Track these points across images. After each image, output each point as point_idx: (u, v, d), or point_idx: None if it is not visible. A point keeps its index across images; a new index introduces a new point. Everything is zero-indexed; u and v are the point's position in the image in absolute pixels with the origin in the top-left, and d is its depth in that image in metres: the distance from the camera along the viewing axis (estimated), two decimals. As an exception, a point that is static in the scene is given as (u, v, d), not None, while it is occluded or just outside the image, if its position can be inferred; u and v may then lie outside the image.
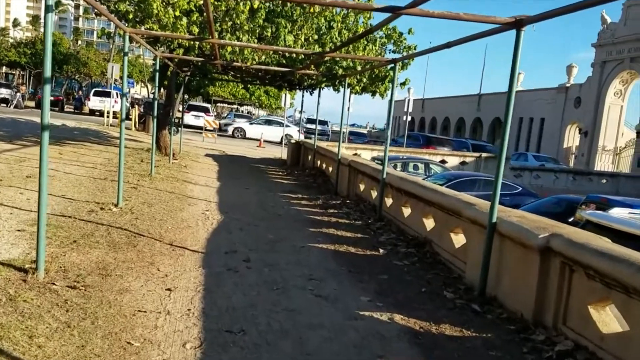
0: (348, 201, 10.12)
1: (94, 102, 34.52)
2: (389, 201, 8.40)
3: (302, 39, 11.98)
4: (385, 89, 14.35)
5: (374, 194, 9.39)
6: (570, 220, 10.54)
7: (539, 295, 4.06)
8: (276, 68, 11.27)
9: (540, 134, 42.41)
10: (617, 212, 6.37)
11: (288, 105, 21.94)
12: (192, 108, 36.56)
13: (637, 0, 29.78)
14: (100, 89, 35.49)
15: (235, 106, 60.68)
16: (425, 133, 38.91)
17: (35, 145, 14.24)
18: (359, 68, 11.25)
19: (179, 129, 19.12)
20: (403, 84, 13.43)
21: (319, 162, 15.16)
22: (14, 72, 72.05)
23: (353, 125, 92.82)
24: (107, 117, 25.93)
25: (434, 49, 6.22)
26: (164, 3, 11.05)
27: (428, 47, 6.96)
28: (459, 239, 5.81)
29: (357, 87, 14.10)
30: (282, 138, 29.43)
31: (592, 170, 28.52)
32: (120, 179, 7.73)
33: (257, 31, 11.63)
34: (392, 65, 13.19)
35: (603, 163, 34.75)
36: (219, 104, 65.53)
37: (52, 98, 36.82)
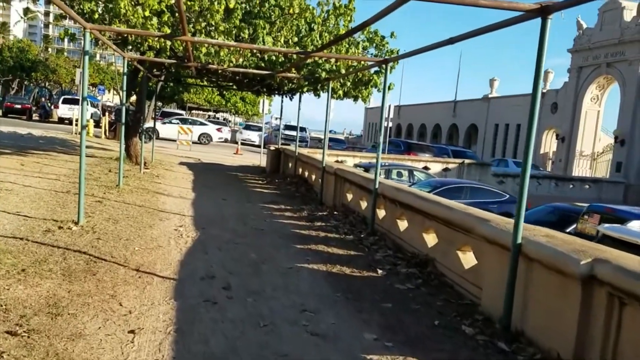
0: (335, 212, 9.40)
1: (62, 110, 33.12)
2: (381, 213, 7.71)
3: (282, 41, 11.27)
4: (368, 93, 13.75)
5: (364, 204, 8.70)
6: (567, 231, 10.05)
7: (581, 333, 3.40)
8: (255, 71, 10.51)
9: (516, 140, 42.50)
10: (638, 225, 5.81)
11: (266, 111, 21.19)
12: (166, 115, 35.55)
13: (612, 6, 29.98)
14: (69, 97, 34.01)
15: (210, 113, 59.56)
16: (405, 139, 38.55)
17: (-7, 155, 13.17)
18: (343, 71, 10.59)
19: (152, 135, 18.17)
20: (389, 87, 12.81)
21: (300, 170, 14.43)
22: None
23: (330, 131, 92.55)
24: (76, 125, 24.72)
25: (435, 45, 5.57)
26: (133, 2, 10.23)
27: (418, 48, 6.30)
28: (467, 259, 5.14)
29: (339, 92, 13.44)
30: (199, 137, 29.26)
31: (574, 176, 28.44)
32: (82, 193, 6.86)
33: (234, 32, 10.88)
34: (377, 68, 12.70)
35: (581, 168, 34.85)
36: (194, 111, 64.34)
37: (19, 106, 35.38)
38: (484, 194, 14.24)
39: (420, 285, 5.24)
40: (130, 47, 11.84)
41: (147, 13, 10.35)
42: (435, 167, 20.18)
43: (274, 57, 10.83)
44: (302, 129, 40.10)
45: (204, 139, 31.50)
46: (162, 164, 16.75)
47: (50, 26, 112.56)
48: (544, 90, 39.19)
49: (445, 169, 20.35)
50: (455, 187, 14.66)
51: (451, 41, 5.19)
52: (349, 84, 11.82)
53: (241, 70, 10.45)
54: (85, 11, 10.76)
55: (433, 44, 5.60)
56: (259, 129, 40.64)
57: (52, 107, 37.82)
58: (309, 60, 10.51)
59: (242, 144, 30.20)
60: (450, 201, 5.97)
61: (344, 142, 39.68)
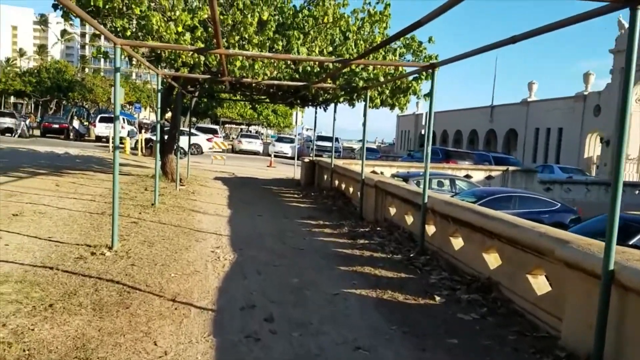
0: (378, 228, 8.87)
1: (100, 129, 33.65)
2: (431, 229, 7.14)
3: (316, 51, 10.87)
4: (406, 101, 13.20)
5: (410, 219, 8.14)
6: (631, 243, 9.21)
7: None
8: (290, 83, 10.14)
9: (558, 144, 40.96)
10: None
11: (299, 123, 20.87)
12: (200, 130, 35.75)
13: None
14: (106, 115, 34.52)
15: (243, 126, 59.99)
16: (442, 147, 37.48)
17: (32, 176, 13.20)
18: (381, 79, 10.09)
19: (187, 152, 18.07)
20: (428, 94, 12.24)
21: (337, 182, 13.95)
22: (22, 102, 72.18)
23: (360, 141, 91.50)
24: (113, 143, 24.97)
25: (494, 45, 5.02)
26: (165, 18, 10.04)
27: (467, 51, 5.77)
28: (539, 283, 4.54)
29: (377, 101, 12.95)
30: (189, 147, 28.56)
31: (625, 181, 26.93)
32: (115, 216, 6.55)
33: (267, 44, 10.54)
34: (416, 75, 12.16)
35: (627, 172, 33.18)
36: (227, 125, 64.97)
37: (57, 126, 36.16)
38: (534, 203, 13.43)
39: (486, 314, 4.65)
40: (164, 64, 11.69)
41: (180, 29, 10.16)
42: (477, 175, 19.36)
43: (308, 68, 10.43)
44: (335, 140, 39.77)
45: (194, 150, 30.80)
46: (198, 179, 16.57)
47: (87, 47, 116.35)
48: (586, 93, 37.68)
49: (488, 177, 19.50)
50: (503, 196, 13.88)
51: (514, 40, 4.64)
52: (387, 92, 11.31)
53: (275, 82, 10.09)
54: (117, 29, 10.67)
55: (491, 44, 5.05)
56: (291, 141, 40.49)
57: (90, 125, 38.65)
58: (345, 70, 10.07)
59: (275, 156, 29.96)
60: (516, 218, 5.36)
61: (377, 151, 39.05)
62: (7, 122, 34.02)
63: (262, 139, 42.36)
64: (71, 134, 35.10)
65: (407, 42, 12.60)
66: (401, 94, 12.17)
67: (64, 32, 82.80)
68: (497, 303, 4.86)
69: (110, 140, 25.28)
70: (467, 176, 18.84)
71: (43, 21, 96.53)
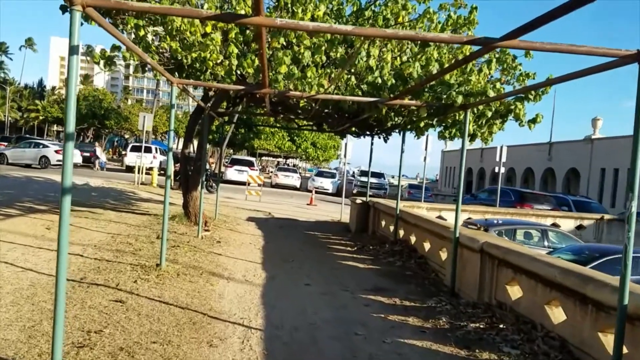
0: (494, 318, 5.68)
1: (130, 158, 31.67)
2: (607, 338, 3.93)
3: (389, 58, 8.01)
4: (499, 129, 10.06)
5: (558, 314, 4.95)
6: None
7: None
8: (357, 98, 7.21)
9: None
10: None
11: (348, 156, 17.80)
12: (235, 162, 33.38)
13: None
14: (137, 144, 32.58)
15: (280, 159, 57.79)
16: (512, 187, 33.52)
17: (26, 214, 10.64)
18: (491, 93, 7.08)
19: (217, 186, 15.36)
20: (532, 121, 9.08)
21: (403, 233, 10.81)
22: (62, 130, 72.45)
23: (403, 176, 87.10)
24: (140, 173, 22.66)
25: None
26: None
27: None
28: None
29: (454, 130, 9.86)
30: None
31: None
32: (58, 331, 3.65)
33: (323, 48, 7.73)
34: (521, 95, 9.09)
35: None
36: (263, 158, 62.99)
37: (87, 154, 34.49)
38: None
39: None
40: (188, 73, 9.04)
41: (208, 28, 7.54)
42: (565, 224, 15.83)
43: (379, 80, 7.52)
44: (380, 175, 36.54)
45: (44, 163, 27.76)
46: (227, 220, 13.75)
47: (131, 78, 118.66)
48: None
49: (580, 227, 15.93)
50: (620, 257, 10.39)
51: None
52: (489, 113, 8.24)
53: (335, 97, 7.19)
54: (129, 29, 8.18)
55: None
56: (332, 176, 37.43)
57: (123, 154, 37.04)
58: (432, 82, 7.11)
59: (315, 192, 26.95)
60: None
61: (427, 188, 35.30)
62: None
63: (299, 173, 39.51)
64: (95, 165, 32.64)
65: (497, 55, 9.61)
66: (498, 119, 9.07)
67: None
68: None
69: (136, 171, 22.98)
70: (555, 225, 15.37)
71: (89, 52, 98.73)
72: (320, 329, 5.25)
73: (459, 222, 7.24)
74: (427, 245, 9.14)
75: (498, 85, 7.48)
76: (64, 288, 3.54)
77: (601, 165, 39.69)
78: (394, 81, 7.44)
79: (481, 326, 5.49)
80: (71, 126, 3.46)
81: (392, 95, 7.31)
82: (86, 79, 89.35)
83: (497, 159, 17.86)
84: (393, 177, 59.99)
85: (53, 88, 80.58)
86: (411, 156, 69.79)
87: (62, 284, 3.52)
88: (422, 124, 8.65)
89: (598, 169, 40.01)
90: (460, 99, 6.85)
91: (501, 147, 17.89)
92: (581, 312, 4.54)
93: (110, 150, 53.09)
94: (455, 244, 7.07)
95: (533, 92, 8.80)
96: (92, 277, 6.25)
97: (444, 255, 8.16)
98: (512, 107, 8.88)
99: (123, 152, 40.33)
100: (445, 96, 7.00)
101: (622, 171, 37.29)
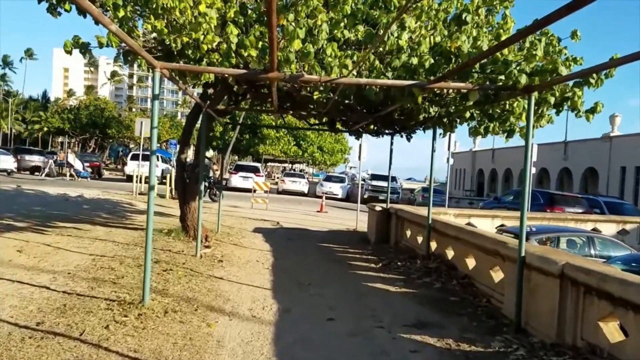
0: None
1: (131, 167, 30.30)
2: None
3: (425, 33, 6.49)
4: (548, 120, 8.48)
5: None
6: None
7: None
8: (389, 82, 5.69)
9: (651, 185, 34.83)
10: None
11: (363, 158, 16.27)
12: (240, 168, 31.93)
13: None
14: (137, 152, 31.19)
15: (286, 164, 56.31)
16: (541, 189, 31.56)
17: (5, 231, 9.15)
18: (563, 72, 5.56)
19: (220, 194, 13.86)
20: (591, 111, 7.48)
21: (436, 245, 9.25)
22: (66, 140, 71.46)
23: (409, 179, 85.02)
24: (139, 183, 21.24)
25: None
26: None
27: None
28: None
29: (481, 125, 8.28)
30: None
31: None
32: None
33: (342, 26, 6.23)
34: (579, 79, 7.54)
35: None
36: (269, 163, 61.57)
37: (87, 164, 33.29)
38: None
39: None
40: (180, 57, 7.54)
41: (202, 8, 6.07)
42: (606, 229, 14.21)
43: (414, 61, 6.00)
44: (393, 179, 34.91)
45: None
46: (231, 233, 12.26)
47: (134, 88, 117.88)
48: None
49: (622, 231, 14.30)
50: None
51: None
52: (551, 99, 6.68)
53: (362, 81, 5.68)
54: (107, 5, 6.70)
55: None
56: (341, 180, 35.76)
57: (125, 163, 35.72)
58: (484, 60, 5.57)
59: (324, 197, 25.37)
60: None
61: (442, 192, 33.56)
62: (35, 160, 31.79)
63: (307, 178, 37.93)
64: (68, 175, 29.05)
65: (538, 37, 8.06)
66: (550, 109, 7.51)
67: (114, 74, 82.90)
68: None
69: (134, 180, 21.55)
70: (595, 230, 13.76)
71: (92, 63, 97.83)
72: (359, 399, 3.71)
73: (523, 239, 5.68)
74: (470, 262, 7.57)
75: (570, 62, 5.93)
76: None
77: (621, 163, 37.93)
78: (432, 60, 5.91)
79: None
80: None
81: (435, 78, 5.77)
82: (89, 89, 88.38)
83: (527, 159, 16.19)
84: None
85: (57, 100, 79.66)
86: (405, 158, 68.10)
87: None
88: (467, 114, 7.09)
89: (618, 168, 38.24)
90: (524, 79, 5.31)
91: (531, 146, 16.29)
92: None
93: (116, 159, 51.84)
94: (520, 266, 5.51)
95: (595, 76, 7.26)
96: (51, 322, 4.75)
97: (496, 275, 6.61)
98: (569, 94, 7.31)
99: (122, 160, 39.03)
100: (503, 77, 5.47)
101: (644, 168, 35.55)
